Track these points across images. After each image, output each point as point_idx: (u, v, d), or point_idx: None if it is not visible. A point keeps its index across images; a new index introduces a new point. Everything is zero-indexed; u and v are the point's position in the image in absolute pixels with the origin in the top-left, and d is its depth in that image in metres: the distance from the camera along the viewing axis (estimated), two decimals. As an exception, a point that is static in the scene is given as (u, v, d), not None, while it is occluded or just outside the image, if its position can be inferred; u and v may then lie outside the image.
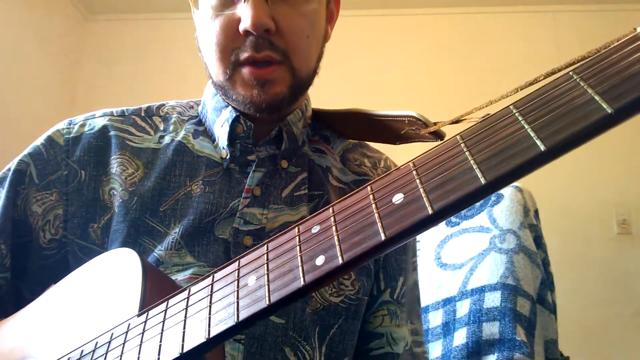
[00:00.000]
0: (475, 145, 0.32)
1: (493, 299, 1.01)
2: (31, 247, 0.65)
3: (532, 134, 0.30)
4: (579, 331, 2.29)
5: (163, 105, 0.73)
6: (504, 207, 1.13)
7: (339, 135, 0.75)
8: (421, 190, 0.33)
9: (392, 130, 0.63)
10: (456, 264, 1.14)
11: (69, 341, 0.49)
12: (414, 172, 0.34)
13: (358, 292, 0.66)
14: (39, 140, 0.68)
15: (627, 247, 2.51)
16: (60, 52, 2.93)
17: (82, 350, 0.46)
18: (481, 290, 1.04)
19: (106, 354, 0.43)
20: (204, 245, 0.61)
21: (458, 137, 0.34)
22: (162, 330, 0.40)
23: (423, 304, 1.14)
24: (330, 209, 0.37)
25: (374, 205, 0.35)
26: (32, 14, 2.71)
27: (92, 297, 0.51)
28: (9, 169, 0.67)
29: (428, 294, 1.15)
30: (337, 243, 0.35)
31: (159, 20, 3.11)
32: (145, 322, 0.42)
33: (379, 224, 0.33)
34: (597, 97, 0.29)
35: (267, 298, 0.36)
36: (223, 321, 0.37)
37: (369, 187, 0.36)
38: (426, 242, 1.24)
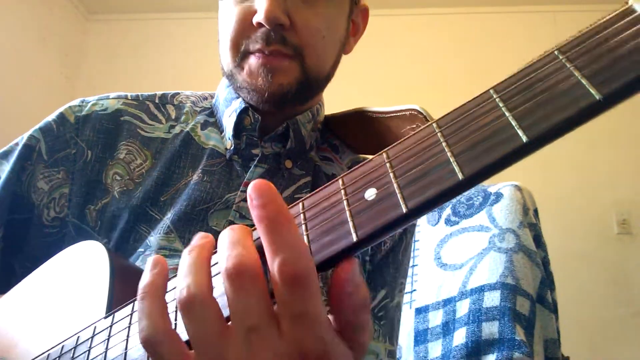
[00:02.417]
0: (452, 135, 0.29)
1: (492, 299, 1.01)
2: (31, 224, 0.64)
3: (514, 123, 0.27)
4: (579, 331, 2.29)
5: (178, 94, 0.73)
6: (503, 206, 1.13)
7: (347, 146, 0.74)
8: (395, 185, 0.30)
9: (394, 131, 0.62)
10: (456, 264, 1.14)
11: (37, 341, 0.48)
12: (388, 165, 0.31)
13: None
14: (51, 116, 0.68)
15: (627, 247, 2.51)
16: (60, 52, 2.93)
17: (49, 355, 0.45)
18: (480, 289, 1.04)
19: (72, 358, 0.42)
20: (196, 233, 0.60)
21: (434, 125, 0.31)
22: (128, 335, 0.38)
23: (423, 303, 1.14)
24: (300, 205, 0.34)
25: (345, 202, 0.31)
26: (32, 13, 2.72)
27: (60, 294, 0.51)
28: (16, 143, 0.66)
29: (428, 294, 1.15)
30: (307, 244, 0.32)
31: (159, 20, 3.11)
32: (111, 326, 0.40)
33: (351, 223, 0.30)
34: (584, 81, 0.26)
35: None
36: None
37: (340, 181, 0.33)
38: (426, 241, 1.24)
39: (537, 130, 0.26)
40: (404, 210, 0.29)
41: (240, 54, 0.61)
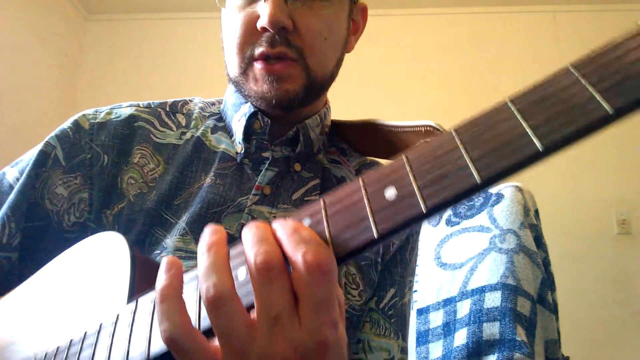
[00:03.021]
0: (470, 141, 0.31)
1: (493, 299, 1.01)
2: (47, 231, 0.64)
3: (529, 132, 0.29)
4: (579, 331, 2.29)
5: (187, 103, 0.74)
6: (504, 207, 1.13)
7: (355, 150, 0.76)
8: (414, 186, 0.32)
9: (407, 143, 0.63)
10: (456, 264, 1.14)
11: (56, 330, 0.49)
12: (407, 167, 0.33)
13: (363, 303, 0.66)
14: (66, 124, 0.68)
15: (627, 247, 2.51)
16: (60, 52, 2.93)
17: (71, 340, 0.45)
18: (481, 290, 1.04)
19: (95, 343, 0.42)
20: None
21: (453, 131, 0.33)
22: (152, 322, 0.39)
23: (424, 304, 1.14)
24: (322, 202, 0.36)
25: (366, 200, 0.34)
26: (32, 13, 2.71)
27: (80, 283, 0.51)
28: (32, 152, 0.67)
29: (428, 294, 1.15)
30: (328, 239, 0.34)
31: (159, 20, 3.11)
32: (135, 311, 0.41)
33: (371, 220, 0.32)
34: (597, 96, 0.28)
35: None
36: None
37: (360, 180, 0.35)
38: (426, 241, 1.24)
39: (552, 139, 0.28)
40: (424, 210, 0.31)
41: (245, 60, 0.62)
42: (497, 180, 0.30)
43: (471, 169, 0.30)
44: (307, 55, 0.61)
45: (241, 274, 0.35)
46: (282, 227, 0.34)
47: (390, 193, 0.33)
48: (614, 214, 2.55)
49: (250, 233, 0.35)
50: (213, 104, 0.75)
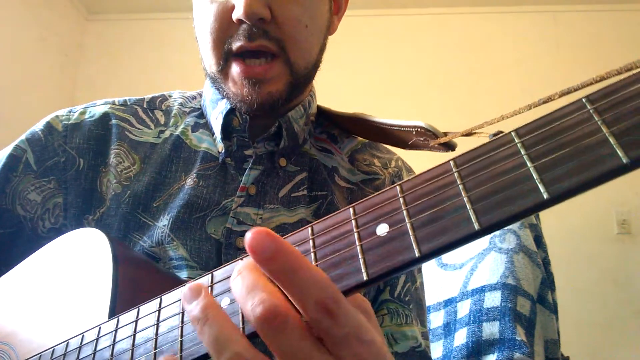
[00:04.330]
0: (470, 178, 0.28)
1: (493, 299, 1.01)
2: (19, 237, 0.61)
3: (535, 175, 0.26)
4: (579, 331, 2.29)
5: (166, 99, 0.70)
6: (504, 207, 1.13)
7: (347, 134, 0.72)
8: (408, 225, 0.29)
9: (399, 138, 0.60)
10: (456, 264, 1.14)
11: (39, 329, 0.48)
12: (402, 200, 0.30)
13: (370, 300, 0.64)
14: (38, 126, 0.66)
15: (627, 247, 2.51)
16: (60, 52, 2.93)
17: (54, 350, 0.44)
18: (481, 290, 1.04)
19: None
20: (197, 240, 0.59)
21: (452, 162, 0.29)
22: (133, 346, 0.37)
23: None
24: (310, 230, 0.33)
25: (356, 235, 0.31)
26: (32, 13, 2.71)
27: (61, 280, 0.49)
28: (1, 155, 0.64)
29: (430, 295, 1.15)
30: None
31: (159, 20, 3.11)
32: (116, 331, 0.39)
33: (361, 260, 0.30)
34: (611, 140, 0.24)
35: (240, 328, 0.32)
36: (197, 345, 0.34)
37: (351, 210, 0.32)
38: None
39: (559, 188, 0.25)
40: (417, 254, 0.28)
41: (223, 55, 0.58)
42: (497, 228, 0.27)
43: (469, 212, 0.27)
44: (289, 47, 0.58)
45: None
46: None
47: (382, 229, 0.30)
48: (614, 214, 2.55)
49: (238, 284, 0.30)
50: (194, 97, 0.71)
